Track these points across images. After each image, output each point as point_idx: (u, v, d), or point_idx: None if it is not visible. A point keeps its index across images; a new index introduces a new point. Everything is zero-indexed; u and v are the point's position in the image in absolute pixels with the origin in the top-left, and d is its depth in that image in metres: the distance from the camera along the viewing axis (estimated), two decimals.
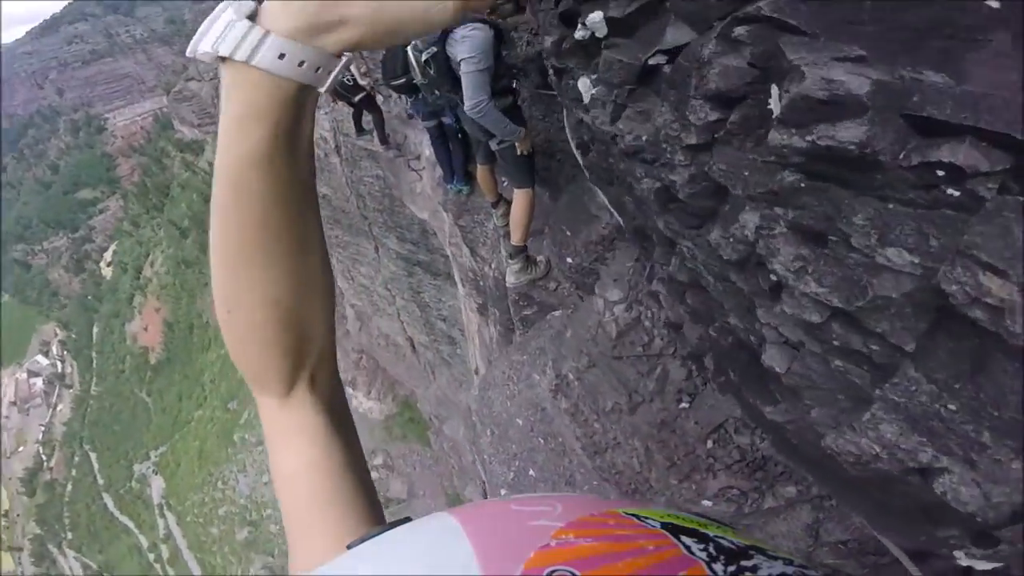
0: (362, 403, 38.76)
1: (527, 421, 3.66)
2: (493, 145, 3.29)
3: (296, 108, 0.45)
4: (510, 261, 3.67)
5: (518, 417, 3.72)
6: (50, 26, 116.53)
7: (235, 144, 0.45)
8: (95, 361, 78.32)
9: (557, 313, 3.93)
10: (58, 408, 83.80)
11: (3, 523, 77.48)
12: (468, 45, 2.79)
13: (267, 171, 0.46)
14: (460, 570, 0.32)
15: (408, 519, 0.46)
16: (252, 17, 0.42)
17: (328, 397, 0.59)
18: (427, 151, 5.75)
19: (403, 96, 4.63)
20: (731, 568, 0.33)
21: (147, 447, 60.24)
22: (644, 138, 1.57)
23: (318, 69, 0.43)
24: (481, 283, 5.68)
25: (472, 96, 2.87)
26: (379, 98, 7.33)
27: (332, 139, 13.31)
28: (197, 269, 60.29)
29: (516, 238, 3.50)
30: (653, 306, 2.73)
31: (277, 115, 0.44)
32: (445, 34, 2.89)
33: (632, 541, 0.36)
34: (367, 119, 8.02)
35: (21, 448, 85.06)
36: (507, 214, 4.20)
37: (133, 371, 68.50)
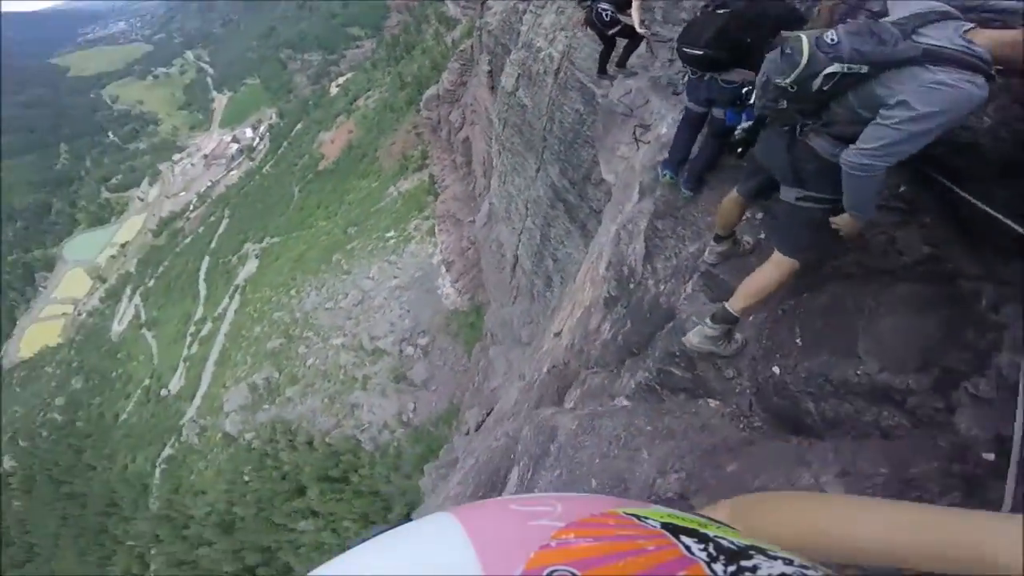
0: (445, 286, 40.27)
1: (603, 488, 2.89)
2: (791, 194, 2.22)
3: None
4: (708, 324, 2.71)
5: (595, 478, 2.95)
6: None
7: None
8: (283, 148, 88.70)
9: (713, 404, 2.99)
10: (232, 173, 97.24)
11: (112, 252, 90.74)
12: (932, 97, 1.61)
13: None
14: (460, 570, 0.33)
15: (408, 519, 0.47)
16: None
17: None
18: (664, 129, 4.67)
19: (685, 69, 3.56)
20: (731, 568, 0.33)
21: (268, 232, 67.08)
22: None
23: None
24: (630, 285, 4.76)
25: (872, 153, 1.76)
26: (643, 48, 6.43)
27: (558, 61, 12.93)
28: (396, 116, 65.69)
29: (737, 306, 2.51)
30: None
31: None
32: (891, 63, 1.65)
33: (632, 541, 0.36)
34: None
35: (183, 193, 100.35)
36: (727, 256, 3.20)
37: (302, 168, 76.84)
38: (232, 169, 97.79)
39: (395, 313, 41.22)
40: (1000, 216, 1.78)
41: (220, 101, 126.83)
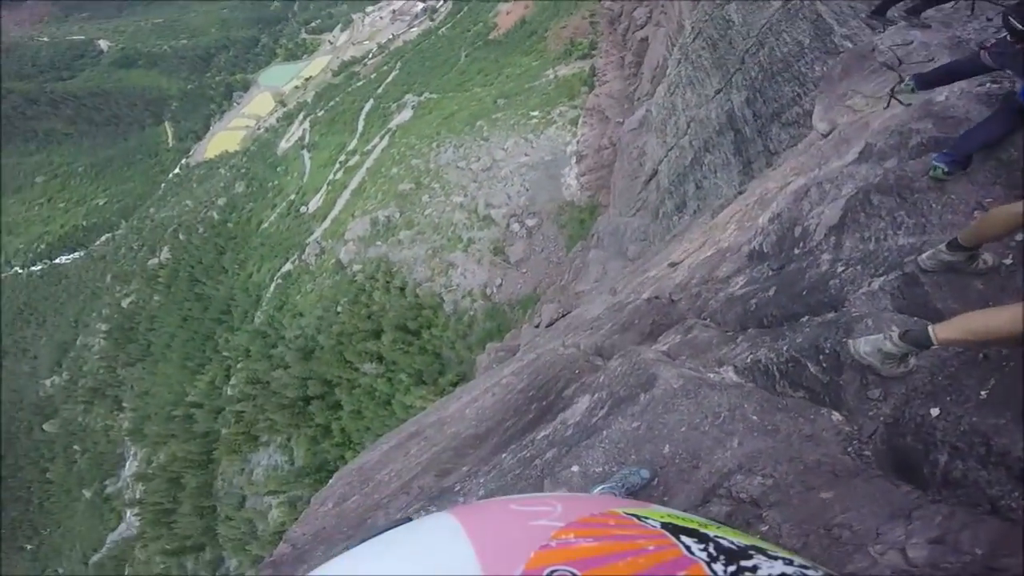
0: (569, 177, 39.34)
1: (673, 457, 2.78)
2: None
3: None
4: (893, 338, 2.23)
5: (670, 444, 2.83)
6: None
7: None
8: (462, 13, 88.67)
9: (835, 419, 2.63)
10: (412, 29, 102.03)
11: (296, 83, 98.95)
12: None
13: None
14: (460, 570, 0.33)
15: (408, 519, 0.47)
16: None
17: None
18: (943, 97, 3.63)
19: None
20: (731, 568, 0.33)
21: (428, 88, 69.04)
22: None
23: None
24: (795, 250, 4.15)
25: None
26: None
27: None
28: (576, 2, 62.12)
29: (945, 335, 2.02)
30: None
31: None
32: None
33: (632, 541, 0.36)
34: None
35: (367, 42, 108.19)
36: (953, 268, 2.54)
37: (474, 35, 77.44)
38: (414, 26, 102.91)
39: (515, 188, 41.50)
40: None
41: None
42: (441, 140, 52.16)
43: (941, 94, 3.63)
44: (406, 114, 65.90)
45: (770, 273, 4.04)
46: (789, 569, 0.34)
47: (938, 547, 1.77)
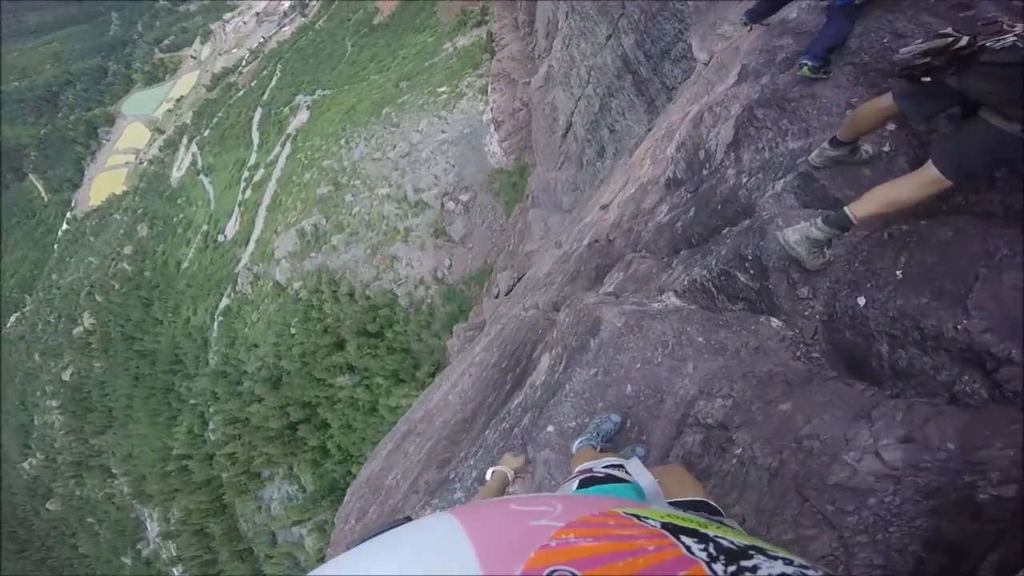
0: (492, 145, 38.92)
1: (636, 396, 2.86)
2: (1013, 127, 1.81)
3: None
4: (818, 224, 2.38)
5: (630, 383, 2.90)
6: None
7: None
8: (336, 2, 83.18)
9: (775, 324, 2.77)
10: (284, 29, 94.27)
11: (169, 106, 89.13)
12: None
13: None
14: (460, 570, 0.33)
15: (408, 519, 0.47)
16: None
17: None
18: (795, 14, 3.84)
19: None
20: (731, 568, 0.33)
21: (319, 85, 65.20)
22: None
23: None
24: (703, 171, 4.29)
25: None
26: None
27: None
28: None
29: (861, 211, 2.17)
30: (904, 495, 1.69)
31: None
32: None
33: (632, 541, 0.36)
34: None
35: (235, 50, 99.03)
36: (838, 162, 2.75)
37: (356, 23, 72.96)
38: (284, 25, 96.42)
39: (440, 167, 40.70)
40: None
41: None
42: (348, 136, 50.08)
43: (792, 11, 3.84)
44: (302, 116, 62.52)
45: (688, 196, 4.18)
46: (789, 569, 0.34)
47: (911, 446, 1.84)
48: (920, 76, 1.97)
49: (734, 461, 2.33)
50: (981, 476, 1.65)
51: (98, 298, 64.17)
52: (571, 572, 0.32)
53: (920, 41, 1.95)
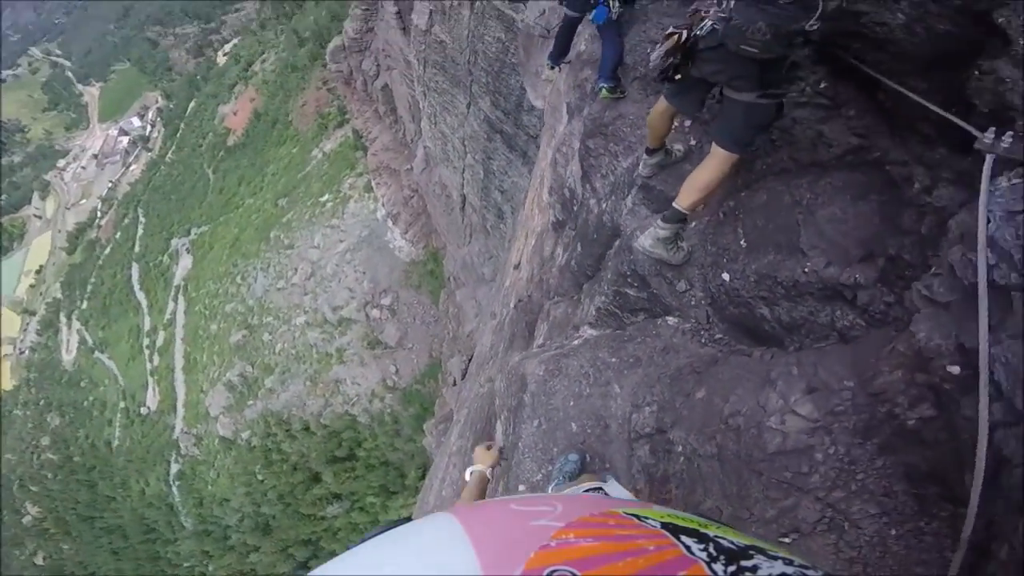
0: (396, 240, 39.26)
1: (583, 431, 2.93)
2: (749, 96, 2.17)
3: None
4: (660, 224, 2.69)
5: (574, 422, 2.98)
6: None
7: None
8: (181, 131, 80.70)
9: (672, 321, 2.99)
10: (131, 168, 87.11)
11: (30, 281, 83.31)
12: None
13: None
14: (461, 570, 0.33)
15: (409, 519, 0.48)
16: None
17: None
18: (583, 46, 4.40)
19: None
20: (731, 568, 0.34)
21: (192, 223, 62.14)
22: None
23: None
24: (574, 207, 4.66)
25: None
26: None
27: None
28: (301, 75, 60.18)
29: (685, 202, 2.49)
30: (843, 443, 1.79)
31: None
32: None
33: (632, 541, 0.37)
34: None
35: (84, 201, 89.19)
36: (661, 166, 3.11)
37: (209, 147, 70.01)
38: (130, 164, 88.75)
39: (351, 278, 40.25)
40: (927, 103, 1.71)
41: (91, 94, 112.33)
42: (242, 271, 48.41)
43: (581, 44, 4.41)
44: (185, 262, 58.54)
45: (572, 234, 4.50)
46: (789, 569, 0.35)
47: (817, 395, 1.92)
48: (672, 75, 2.31)
49: (681, 459, 2.41)
50: (892, 404, 1.70)
51: (33, 488, 58.01)
52: (571, 572, 0.32)
53: (659, 44, 2.29)
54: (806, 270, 2.22)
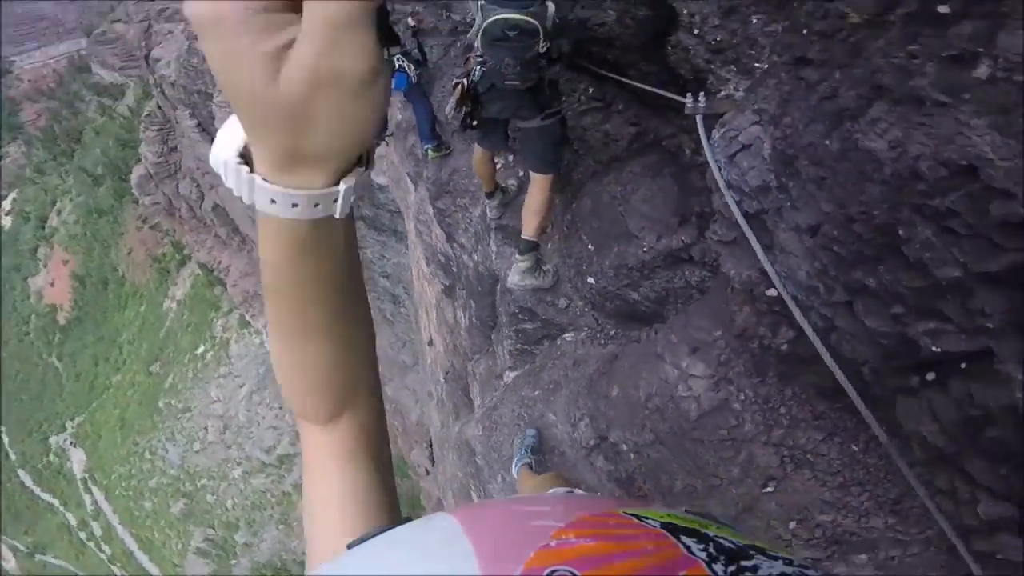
0: None
1: (542, 463, 3.03)
2: (535, 121, 2.48)
3: (314, 228, 0.41)
4: (519, 258, 2.92)
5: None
6: None
7: (266, 247, 0.45)
8: None
9: (569, 337, 3.22)
10: None
11: None
12: None
13: (301, 268, 0.45)
14: (460, 570, 0.33)
15: (408, 519, 0.49)
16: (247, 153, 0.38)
17: (369, 424, 0.61)
18: (399, 115, 4.69)
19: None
20: (731, 568, 0.33)
21: (62, 417, 54.32)
22: None
23: (316, 204, 0.38)
24: (455, 268, 4.84)
25: None
26: None
27: None
28: (112, 217, 53.62)
29: (530, 230, 2.75)
30: (747, 387, 2.03)
31: (293, 237, 0.42)
32: None
33: (632, 541, 0.37)
34: None
35: None
36: (505, 204, 3.39)
37: (39, 332, 60.10)
38: None
39: (270, 416, 37.29)
40: (648, 88, 2.11)
41: None
42: (147, 447, 42.73)
43: (397, 114, 4.75)
44: (78, 455, 51.10)
45: (463, 294, 4.67)
46: (789, 569, 0.35)
47: (700, 352, 2.05)
48: (470, 122, 2.61)
49: (632, 456, 2.56)
50: (759, 337, 1.83)
51: None
52: (571, 572, 0.32)
53: (450, 96, 2.59)
54: (645, 249, 2.55)
